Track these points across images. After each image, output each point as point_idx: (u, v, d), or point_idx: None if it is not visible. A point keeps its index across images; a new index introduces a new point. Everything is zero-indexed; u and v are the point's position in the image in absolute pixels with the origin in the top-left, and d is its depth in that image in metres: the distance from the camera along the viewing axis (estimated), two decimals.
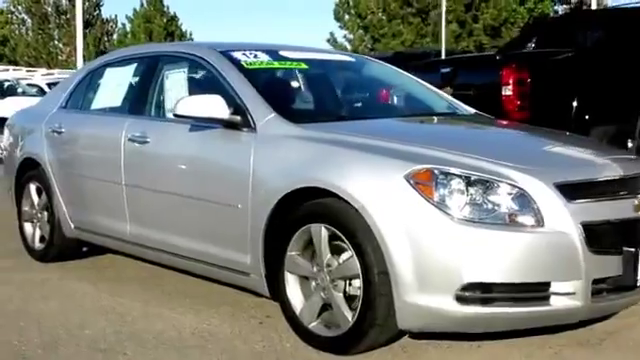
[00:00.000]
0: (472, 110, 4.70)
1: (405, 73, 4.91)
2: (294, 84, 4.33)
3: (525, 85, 6.65)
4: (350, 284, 3.32)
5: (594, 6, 24.80)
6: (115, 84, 4.90)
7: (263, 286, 3.69)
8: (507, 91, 6.63)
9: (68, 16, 35.95)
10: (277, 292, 3.61)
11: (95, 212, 4.82)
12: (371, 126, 3.91)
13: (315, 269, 3.43)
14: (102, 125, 4.76)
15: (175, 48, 4.56)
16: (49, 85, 18.38)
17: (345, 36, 28.48)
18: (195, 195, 3.96)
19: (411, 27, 27.10)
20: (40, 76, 20.57)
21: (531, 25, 8.91)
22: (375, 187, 3.15)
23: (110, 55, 5.16)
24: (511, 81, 6.65)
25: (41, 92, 17.14)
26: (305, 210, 3.42)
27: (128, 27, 34.81)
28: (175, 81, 4.41)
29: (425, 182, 3.07)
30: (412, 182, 3.07)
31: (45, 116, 5.38)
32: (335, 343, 3.33)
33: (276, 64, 4.29)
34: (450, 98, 4.79)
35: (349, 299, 3.32)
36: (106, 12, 50.45)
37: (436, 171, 3.09)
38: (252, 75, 4.02)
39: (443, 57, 16.61)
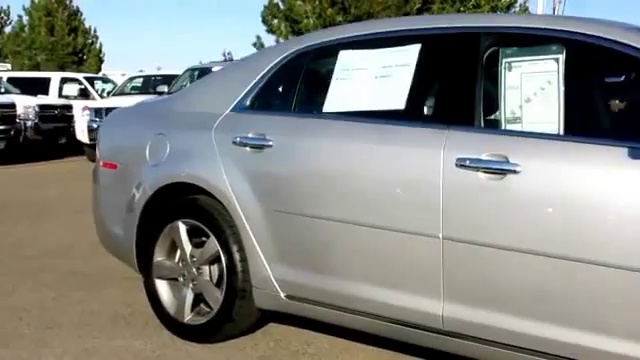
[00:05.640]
0: None
1: None
2: None
3: None
4: None
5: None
6: (373, 75, 3.09)
7: None
8: None
9: None
10: None
11: (351, 278, 3.01)
12: None
13: None
14: (379, 139, 2.94)
15: (524, 22, 2.83)
16: None
17: (277, 41, 26.70)
18: None
19: None
20: None
21: None
22: None
23: (344, 30, 3.34)
24: None
25: None
26: None
27: (25, 20, 31.24)
28: (532, 74, 2.72)
29: None
30: None
31: (211, 121, 3.50)
32: None
33: None
34: None
35: None
36: None
37: None
38: None
39: None
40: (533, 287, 2.58)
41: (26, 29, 30.96)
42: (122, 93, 15.53)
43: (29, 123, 14.28)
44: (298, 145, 3.18)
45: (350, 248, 2.99)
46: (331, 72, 3.25)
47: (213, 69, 12.84)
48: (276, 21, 27.57)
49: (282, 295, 3.24)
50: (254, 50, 28.59)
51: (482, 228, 2.64)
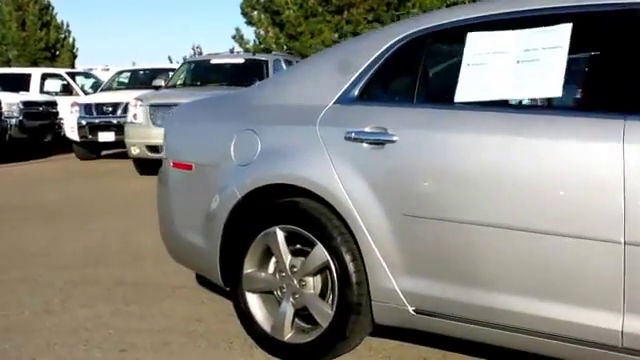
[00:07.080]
0: None
1: None
2: None
3: None
4: None
5: None
6: (514, 59, 2.69)
7: None
8: None
9: None
10: None
11: (502, 290, 2.64)
12: None
13: None
14: (536, 132, 2.55)
15: None
16: None
17: (258, 33, 26.20)
18: None
19: (330, 25, 25.42)
20: None
21: None
22: None
23: (467, 11, 2.95)
24: None
25: None
26: None
27: None
28: None
29: None
30: None
31: (314, 114, 3.11)
32: None
33: None
34: None
35: None
36: None
37: None
38: None
39: None
40: None
41: None
42: (110, 88, 14.98)
43: (13, 121, 13.62)
44: (429, 140, 2.80)
45: (502, 256, 2.62)
46: (458, 57, 2.87)
47: (211, 61, 12.39)
48: (255, 13, 27.07)
49: (410, 309, 2.87)
50: (232, 43, 27.99)
51: None
